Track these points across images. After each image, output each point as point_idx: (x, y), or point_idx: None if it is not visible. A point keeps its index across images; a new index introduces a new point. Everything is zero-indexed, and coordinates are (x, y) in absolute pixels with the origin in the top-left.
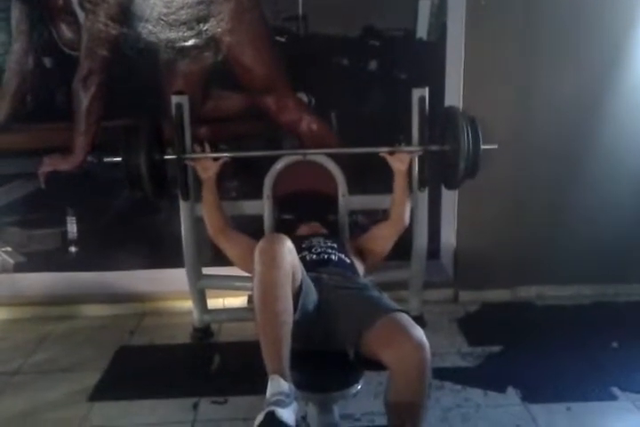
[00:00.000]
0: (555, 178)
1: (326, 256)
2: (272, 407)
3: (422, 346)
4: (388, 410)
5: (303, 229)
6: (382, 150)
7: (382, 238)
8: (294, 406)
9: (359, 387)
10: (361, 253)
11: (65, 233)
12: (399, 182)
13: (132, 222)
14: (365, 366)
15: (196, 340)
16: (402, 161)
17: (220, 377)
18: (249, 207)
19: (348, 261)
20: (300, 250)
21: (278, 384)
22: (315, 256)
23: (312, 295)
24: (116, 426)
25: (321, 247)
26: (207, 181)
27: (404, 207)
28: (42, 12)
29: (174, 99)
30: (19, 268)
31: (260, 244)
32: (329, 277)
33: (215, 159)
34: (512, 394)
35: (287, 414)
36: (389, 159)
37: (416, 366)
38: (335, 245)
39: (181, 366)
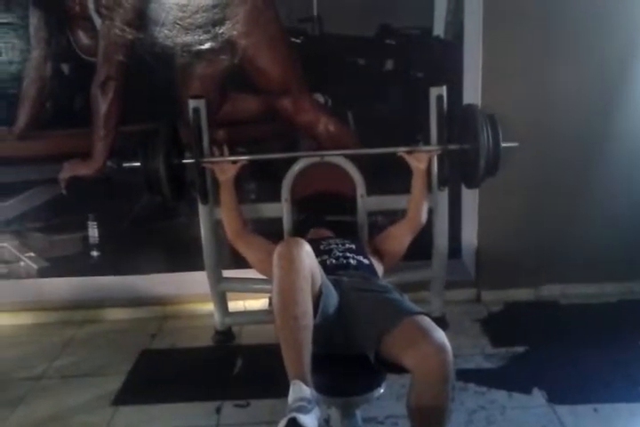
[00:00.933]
0: (577, 175)
1: (345, 261)
2: (294, 414)
3: (444, 349)
4: (411, 414)
5: (313, 233)
6: (400, 150)
7: (398, 238)
8: (316, 411)
9: (382, 391)
10: (379, 254)
11: (86, 238)
12: (418, 181)
13: (152, 226)
14: (387, 370)
15: (217, 343)
16: (420, 160)
17: (243, 380)
18: (267, 210)
19: (367, 262)
20: (318, 253)
21: (300, 389)
22: (334, 261)
23: (332, 299)
24: None
25: (340, 251)
26: (225, 183)
27: (421, 206)
28: (59, 19)
29: (191, 103)
30: (42, 273)
31: (279, 248)
32: (349, 280)
33: (233, 162)
34: (537, 395)
35: (309, 420)
36: (408, 159)
37: (438, 369)
38: (353, 247)
39: (204, 369)
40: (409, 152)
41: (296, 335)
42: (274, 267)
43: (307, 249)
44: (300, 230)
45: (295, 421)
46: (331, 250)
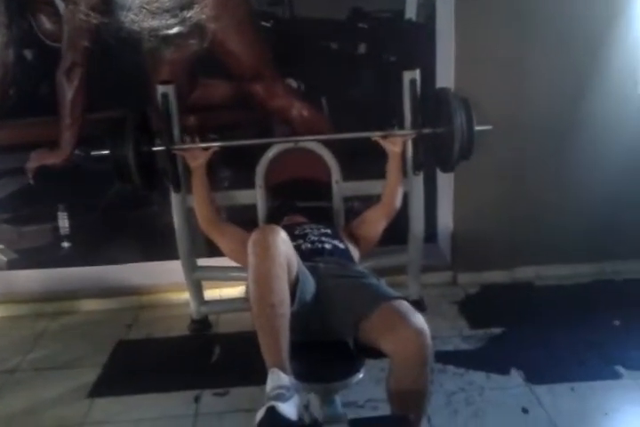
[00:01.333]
0: (550, 157)
1: (320, 245)
2: (272, 402)
3: (422, 332)
4: (391, 398)
5: (287, 220)
6: (375, 135)
7: (373, 223)
8: (296, 399)
9: (361, 376)
10: (354, 239)
11: (57, 228)
12: (393, 165)
13: (124, 216)
14: (366, 355)
15: (194, 332)
16: (395, 144)
17: (221, 369)
18: (242, 197)
19: (343, 246)
20: (293, 238)
21: (278, 378)
22: (309, 245)
23: (309, 285)
24: (117, 421)
25: (314, 235)
26: (196, 170)
27: (396, 191)
28: (20, 3)
29: (160, 88)
30: (12, 265)
31: (253, 235)
32: (325, 266)
33: (205, 149)
34: (515, 376)
35: (288, 408)
36: (383, 143)
37: (417, 352)
38: (329, 231)
39: (181, 358)
40: (384, 137)
41: (273, 323)
42: (249, 254)
43: (282, 236)
44: (274, 217)
45: (274, 409)
46: (305, 234)
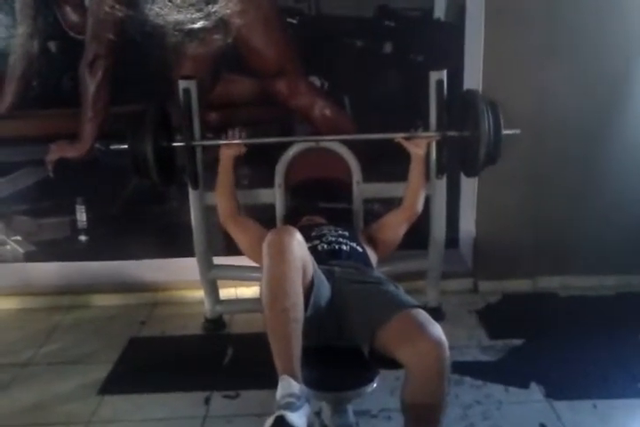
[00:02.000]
0: (578, 164)
1: (337, 246)
2: (282, 411)
3: (440, 344)
4: (405, 410)
5: (306, 221)
6: (398, 136)
7: (394, 227)
8: (306, 408)
9: (374, 385)
10: (373, 242)
11: (74, 222)
12: (416, 168)
13: (142, 211)
14: (380, 365)
15: (207, 331)
16: (419, 146)
17: (233, 370)
18: (261, 196)
19: (361, 249)
20: (310, 239)
21: (289, 385)
22: (326, 246)
23: (324, 290)
24: (125, 420)
25: (332, 236)
26: (225, 161)
27: (418, 194)
28: None
29: (182, 83)
30: (29, 257)
31: (269, 236)
32: (342, 271)
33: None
34: (535, 390)
35: (298, 418)
36: (406, 144)
37: (434, 365)
38: (347, 233)
39: (193, 358)
40: (407, 138)
41: (285, 328)
42: (263, 256)
43: (298, 238)
44: (292, 217)
45: (283, 419)
46: (323, 235)
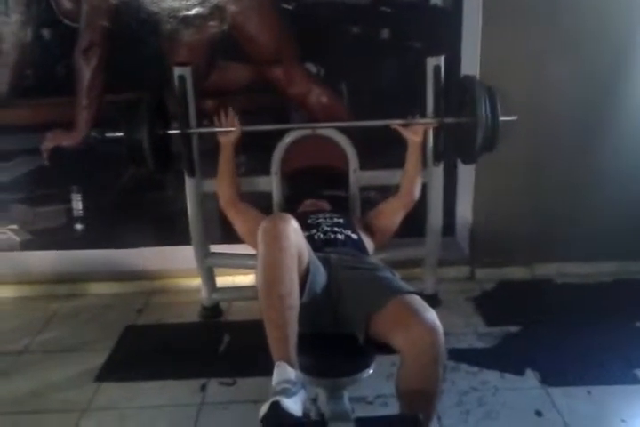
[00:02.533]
0: (576, 151)
1: (333, 236)
2: (277, 397)
3: (435, 330)
4: (400, 396)
5: (310, 205)
6: (395, 122)
7: (390, 214)
8: (302, 394)
9: (370, 371)
10: (370, 230)
11: (70, 210)
12: (413, 155)
13: (138, 199)
14: (376, 350)
15: (204, 319)
16: (416, 133)
17: (229, 358)
18: (257, 184)
19: (356, 237)
20: (306, 227)
21: (284, 371)
22: (322, 235)
23: (320, 277)
24: (122, 408)
25: (328, 226)
26: (225, 145)
27: (415, 182)
28: None
29: (176, 71)
30: (25, 245)
31: (264, 223)
32: (338, 257)
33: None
34: (530, 377)
35: (293, 403)
36: (403, 131)
37: (428, 350)
38: (342, 221)
39: (190, 345)
40: (404, 125)
41: (281, 315)
42: (258, 243)
43: (294, 225)
44: (294, 202)
45: (278, 404)
46: (319, 224)
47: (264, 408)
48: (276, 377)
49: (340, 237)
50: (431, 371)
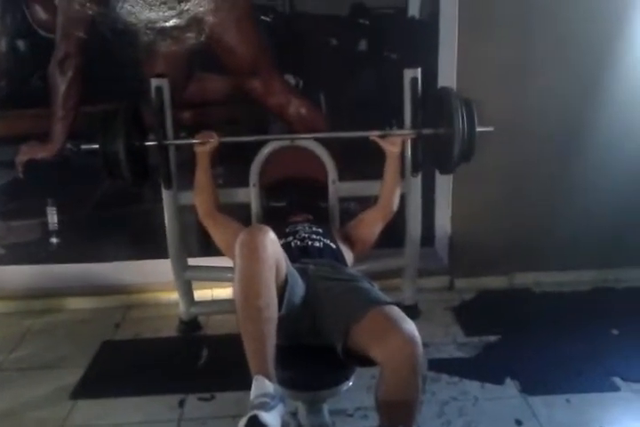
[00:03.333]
0: (552, 161)
1: (310, 243)
2: (255, 411)
3: (413, 341)
4: (379, 408)
5: (291, 218)
6: (373, 134)
7: (369, 225)
8: (280, 408)
9: (350, 384)
10: (349, 241)
11: (45, 224)
12: (391, 166)
13: (114, 212)
14: (354, 363)
15: (182, 333)
16: (394, 144)
17: (208, 372)
18: (235, 195)
19: (334, 246)
20: (283, 235)
21: (262, 385)
22: (299, 242)
23: (298, 288)
24: (98, 425)
25: (305, 232)
26: (201, 155)
27: (394, 192)
28: None
29: (154, 82)
30: None
31: (241, 235)
32: (315, 269)
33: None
34: (510, 386)
35: (272, 417)
36: (381, 142)
37: (407, 362)
38: (320, 230)
39: (167, 360)
40: (382, 136)
41: (259, 328)
42: (236, 255)
43: (271, 237)
44: (271, 213)
45: (256, 418)
46: (296, 231)
47: (242, 423)
48: (254, 391)
49: (317, 244)
50: (410, 382)
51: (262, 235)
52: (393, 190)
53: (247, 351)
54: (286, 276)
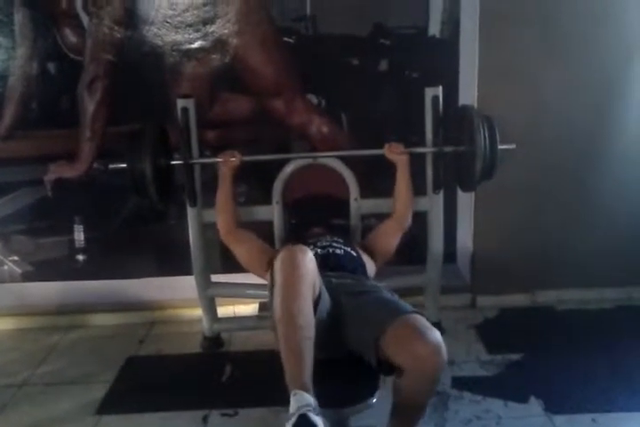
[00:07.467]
0: (575, 177)
1: (332, 250)
2: (304, 410)
3: (439, 350)
4: (395, 409)
5: (312, 231)
6: (395, 150)
7: (387, 235)
8: (323, 420)
9: (374, 400)
10: (370, 252)
11: (72, 241)
12: (401, 174)
13: (140, 230)
14: (388, 372)
15: (206, 349)
16: (397, 150)
17: (231, 388)
18: (258, 213)
19: (355, 253)
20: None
21: (303, 398)
22: (319, 251)
23: (326, 304)
24: None
25: (327, 241)
26: (225, 174)
27: (406, 201)
28: (45, 17)
29: (180, 102)
30: (26, 277)
31: (282, 253)
32: (338, 282)
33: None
34: (534, 405)
35: (319, 420)
36: (388, 154)
37: (432, 370)
38: (341, 240)
39: (191, 376)
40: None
41: (300, 345)
42: (276, 273)
43: (310, 256)
44: (294, 230)
45: (306, 417)
46: (318, 241)
47: (292, 421)
48: (294, 404)
49: (338, 251)
50: (431, 389)
51: (302, 254)
52: (406, 198)
53: (287, 368)
54: (320, 292)
